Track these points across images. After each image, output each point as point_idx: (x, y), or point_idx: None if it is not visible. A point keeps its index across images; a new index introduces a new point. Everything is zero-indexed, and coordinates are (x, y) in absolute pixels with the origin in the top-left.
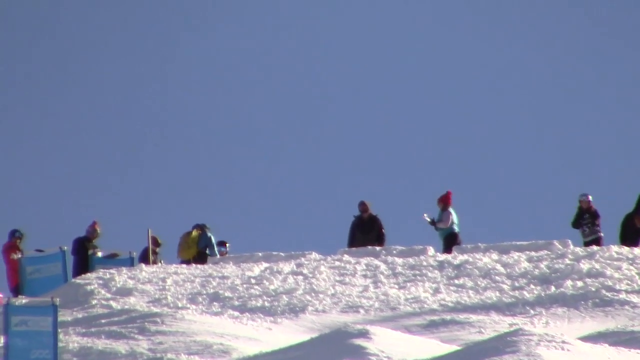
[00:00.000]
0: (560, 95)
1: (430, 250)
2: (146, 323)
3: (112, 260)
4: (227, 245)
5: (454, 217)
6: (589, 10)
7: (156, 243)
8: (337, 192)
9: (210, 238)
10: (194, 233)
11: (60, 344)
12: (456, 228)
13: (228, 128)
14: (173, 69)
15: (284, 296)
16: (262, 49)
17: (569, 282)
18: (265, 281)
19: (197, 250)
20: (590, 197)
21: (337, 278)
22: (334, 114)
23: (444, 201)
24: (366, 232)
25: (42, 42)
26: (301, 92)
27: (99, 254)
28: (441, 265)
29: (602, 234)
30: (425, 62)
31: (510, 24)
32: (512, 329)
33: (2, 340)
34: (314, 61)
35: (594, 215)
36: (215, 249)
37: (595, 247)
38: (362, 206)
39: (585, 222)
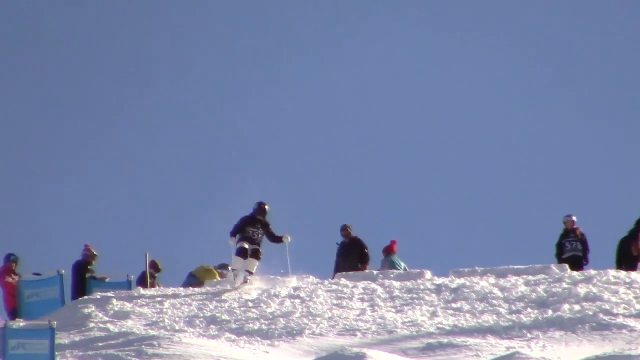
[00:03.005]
0: (562, 114)
1: (427, 274)
2: (143, 346)
3: (109, 283)
4: (229, 267)
5: (396, 262)
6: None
7: (156, 268)
8: (334, 215)
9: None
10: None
11: None
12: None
13: (227, 150)
14: (177, 76)
15: (281, 319)
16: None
17: (566, 306)
18: (262, 304)
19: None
20: (574, 218)
21: (334, 301)
22: (332, 135)
23: (388, 251)
24: (347, 256)
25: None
26: (301, 118)
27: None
28: (438, 289)
29: (586, 258)
30: (427, 84)
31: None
32: (509, 352)
33: None
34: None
35: (581, 239)
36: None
37: (592, 271)
38: (344, 231)
39: (569, 240)
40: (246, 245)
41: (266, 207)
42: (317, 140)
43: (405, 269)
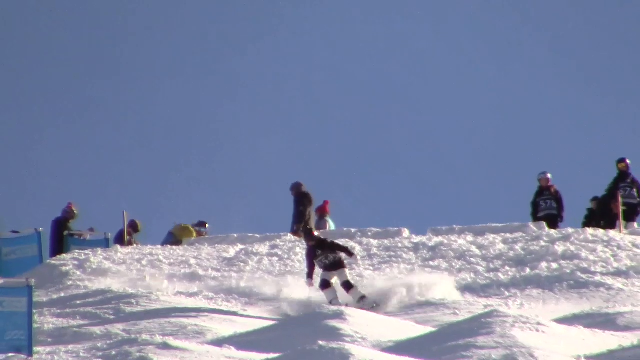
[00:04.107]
0: (536, 71)
1: (405, 232)
2: (121, 304)
3: (87, 241)
4: (207, 225)
5: (331, 224)
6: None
7: (135, 228)
8: (312, 174)
9: None
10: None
11: (35, 325)
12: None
13: (204, 110)
14: (144, 52)
15: (259, 277)
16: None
17: (544, 264)
18: (240, 262)
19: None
20: (549, 175)
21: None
22: (316, 105)
23: (321, 212)
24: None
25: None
26: (289, 89)
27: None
28: (416, 247)
29: (561, 216)
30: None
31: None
32: (486, 310)
33: None
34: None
35: (555, 197)
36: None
37: (570, 230)
38: (293, 190)
39: (544, 198)
40: (327, 278)
41: (314, 232)
42: (297, 111)
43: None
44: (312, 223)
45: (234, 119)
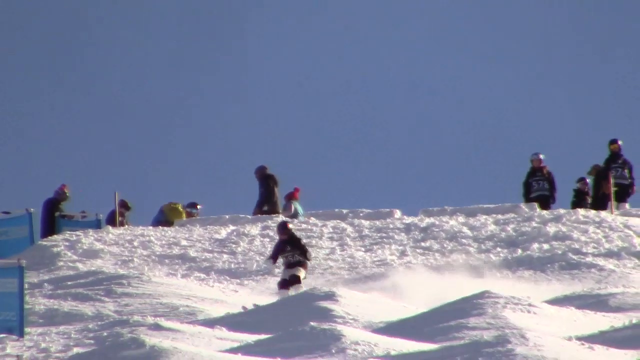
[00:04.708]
0: (527, 55)
1: (397, 213)
2: (112, 285)
3: (78, 222)
4: (199, 206)
5: (298, 208)
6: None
7: (126, 207)
8: (304, 156)
9: None
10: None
11: (26, 306)
12: (301, 218)
13: (195, 92)
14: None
15: (250, 258)
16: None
17: (535, 245)
18: (232, 244)
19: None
20: (541, 156)
21: (304, 240)
22: (307, 90)
23: (290, 197)
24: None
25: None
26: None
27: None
28: (408, 228)
29: (553, 197)
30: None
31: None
32: (478, 291)
33: None
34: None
35: (548, 177)
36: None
37: (562, 211)
38: (257, 172)
39: (536, 179)
40: (286, 277)
41: (289, 225)
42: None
43: (302, 215)
44: (279, 204)
45: (225, 102)
